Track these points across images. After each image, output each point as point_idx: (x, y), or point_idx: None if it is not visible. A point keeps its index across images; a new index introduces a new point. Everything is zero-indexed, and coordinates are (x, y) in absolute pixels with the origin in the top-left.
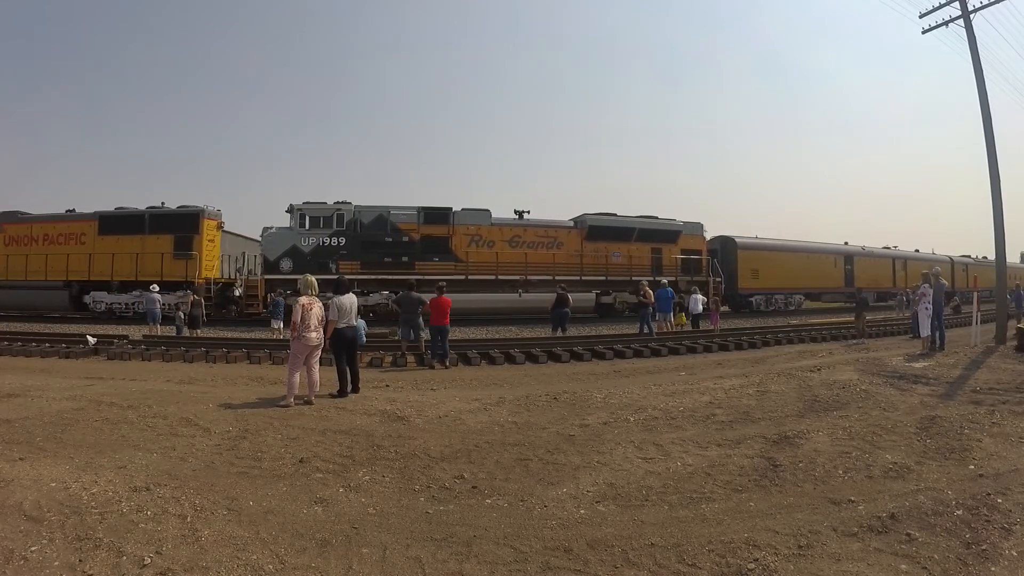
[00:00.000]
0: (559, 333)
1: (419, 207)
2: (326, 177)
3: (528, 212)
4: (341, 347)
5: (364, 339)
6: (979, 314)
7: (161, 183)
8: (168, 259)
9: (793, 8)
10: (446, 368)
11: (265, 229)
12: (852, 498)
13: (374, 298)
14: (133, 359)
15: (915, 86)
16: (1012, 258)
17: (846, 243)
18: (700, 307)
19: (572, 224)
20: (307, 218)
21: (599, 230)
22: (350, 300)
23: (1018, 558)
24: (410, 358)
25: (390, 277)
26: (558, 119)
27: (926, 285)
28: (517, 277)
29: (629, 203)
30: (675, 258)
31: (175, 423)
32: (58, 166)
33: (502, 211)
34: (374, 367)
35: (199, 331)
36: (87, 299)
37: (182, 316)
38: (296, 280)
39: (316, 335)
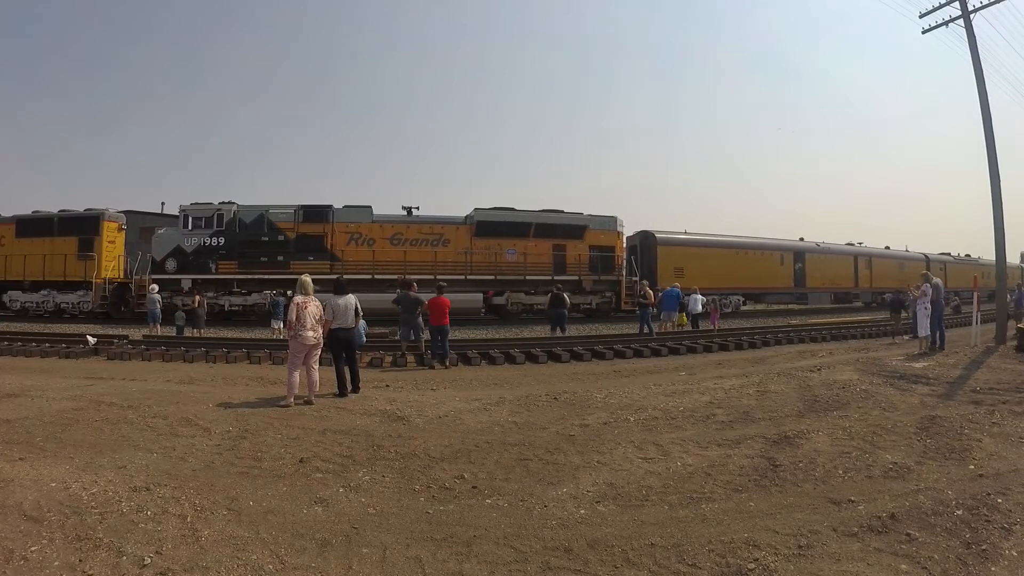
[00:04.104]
0: (558, 333)
1: (299, 205)
2: (327, 176)
3: (417, 208)
4: (338, 348)
5: (364, 339)
6: (979, 314)
7: (161, 183)
8: (72, 260)
9: (793, 8)
10: (446, 368)
11: (155, 230)
12: (852, 498)
13: (254, 298)
14: (133, 359)
15: (915, 86)
16: (1012, 258)
17: (801, 239)
18: (700, 307)
19: (462, 220)
20: (190, 219)
21: (489, 225)
22: (346, 301)
23: (1018, 558)
24: (410, 358)
25: (266, 277)
26: (557, 118)
27: (926, 285)
28: (395, 276)
29: (626, 202)
30: (580, 255)
31: (175, 423)
32: (58, 166)
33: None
34: (374, 367)
35: (201, 330)
36: (5, 298)
37: (183, 316)
38: (180, 280)
39: (313, 334)
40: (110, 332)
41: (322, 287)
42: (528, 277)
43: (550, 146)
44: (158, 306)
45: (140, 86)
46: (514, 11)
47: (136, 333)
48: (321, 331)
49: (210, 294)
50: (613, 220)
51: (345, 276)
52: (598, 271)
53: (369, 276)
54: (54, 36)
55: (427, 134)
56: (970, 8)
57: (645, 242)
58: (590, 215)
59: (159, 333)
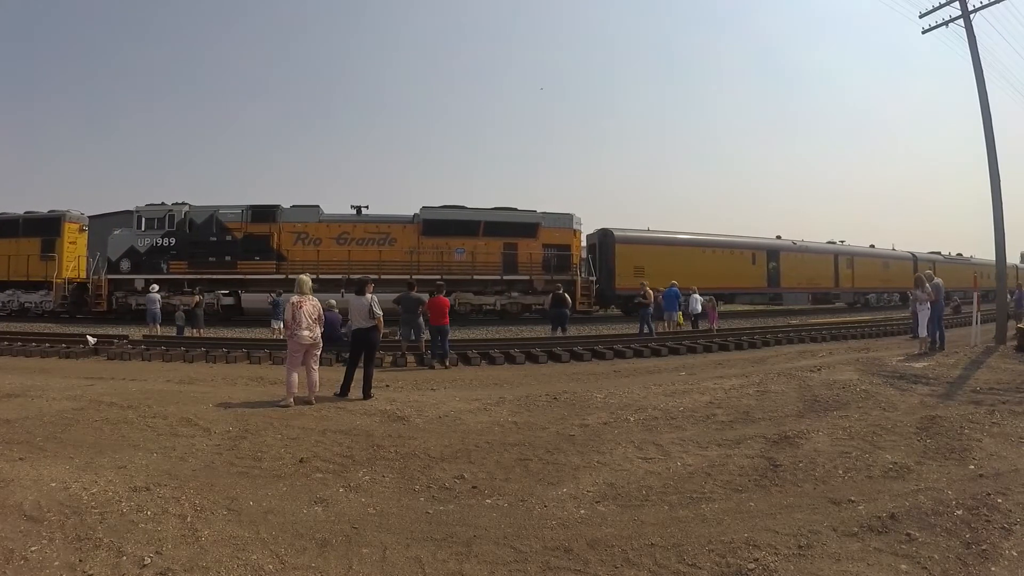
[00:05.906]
0: (559, 333)
1: (247, 205)
2: (326, 176)
3: (367, 207)
4: (356, 347)
5: None
6: (979, 314)
7: (161, 183)
8: (35, 260)
9: (792, 8)
10: (446, 368)
11: (112, 231)
12: (852, 498)
13: (206, 297)
14: (133, 359)
15: (915, 85)
16: (1012, 258)
17: (778, 237)
18: (700, 307)
19: (410, 219)
20: (143, 220)
21: (436, 224)
22: (359, 301)
23: (1018, 558)
24: (410, 358)
25: (215, 277)
26: (558, 118)
27: (928, 286)
28: (339, 276)
29: (625, 203)
30: (533, 254)
31: (175, 423)
32: (58, 166)
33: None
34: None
35: (201, 331)
36: None
37: (183, 316)
38: (134, 280)
39: (309, 334)
40: (110, 332)
41: (268, 287)
42: (476, 277)
43: (550, 146)
44: (158, 305)
45: (140, 86)
46: (514, 11)
47: (136, 333)
48: (319, 331)
49: (162, 294)
50: (568, 217)
51: (290, 276)
52: (551, 270)
53: (314, 276)
54: (54, 36)
55: (427, 134)
56: (970, 8)
57: (604, 240)
58: (543, 212)
59: (159, 333)
